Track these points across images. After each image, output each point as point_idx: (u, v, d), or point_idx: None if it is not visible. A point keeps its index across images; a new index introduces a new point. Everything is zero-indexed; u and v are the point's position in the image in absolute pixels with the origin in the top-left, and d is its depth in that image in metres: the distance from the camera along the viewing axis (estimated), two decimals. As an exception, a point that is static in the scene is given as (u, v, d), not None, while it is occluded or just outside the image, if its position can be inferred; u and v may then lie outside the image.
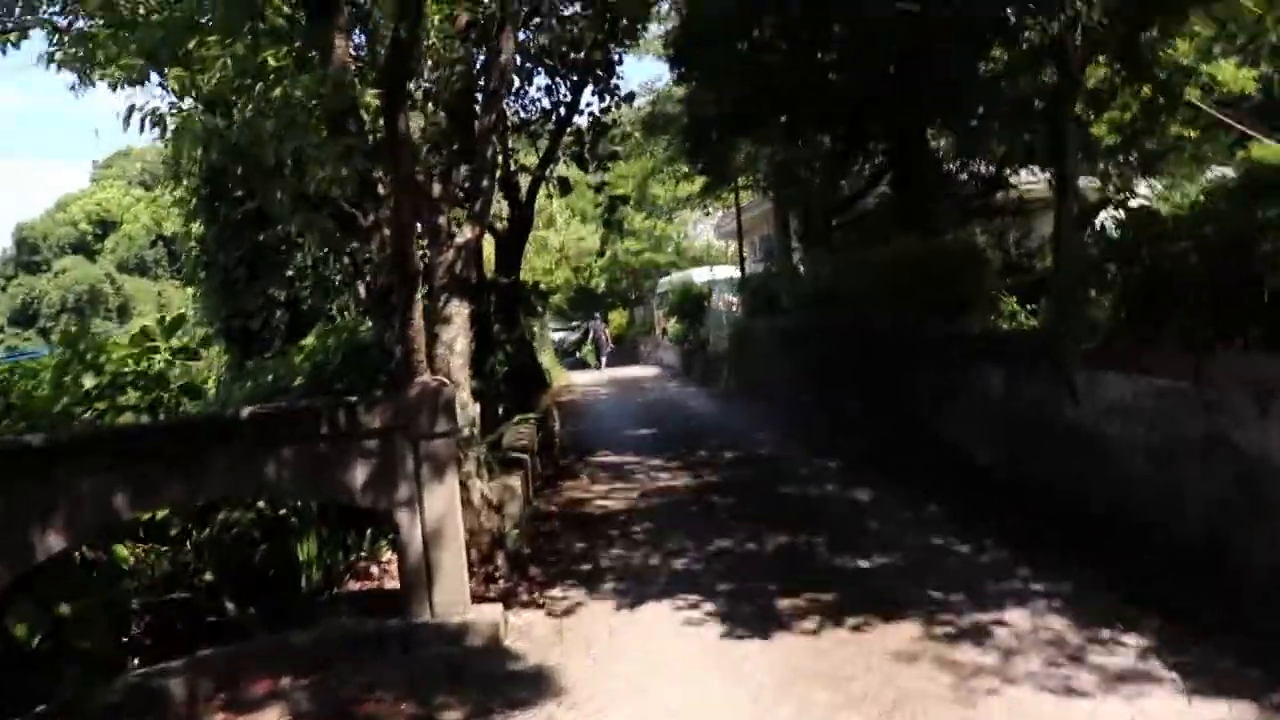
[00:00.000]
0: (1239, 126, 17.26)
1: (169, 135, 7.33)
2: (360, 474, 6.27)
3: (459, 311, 8.36)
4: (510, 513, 8.81)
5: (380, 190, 8.03)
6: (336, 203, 8.28)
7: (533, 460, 11.55)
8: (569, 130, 14.56)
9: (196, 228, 14.09)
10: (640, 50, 27.36)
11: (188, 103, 7.18)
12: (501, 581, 7.87)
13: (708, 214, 32.05)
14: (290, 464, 6.12)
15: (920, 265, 12.40)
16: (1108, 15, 10.53)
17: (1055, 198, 11.66)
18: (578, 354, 49.54)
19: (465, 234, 8.51)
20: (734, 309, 30.53)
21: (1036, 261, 18.72)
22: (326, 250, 10.57)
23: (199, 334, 12.44)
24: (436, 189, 8.60)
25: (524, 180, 14.10)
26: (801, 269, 21.36)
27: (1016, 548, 7.86)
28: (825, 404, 16.28)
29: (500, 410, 12.91)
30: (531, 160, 14.26)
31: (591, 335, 47.44)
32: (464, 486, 7.94)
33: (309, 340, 10.35)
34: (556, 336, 50.50)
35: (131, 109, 7.15)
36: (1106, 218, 12.46)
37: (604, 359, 42.92)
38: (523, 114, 14.45)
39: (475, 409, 10.35)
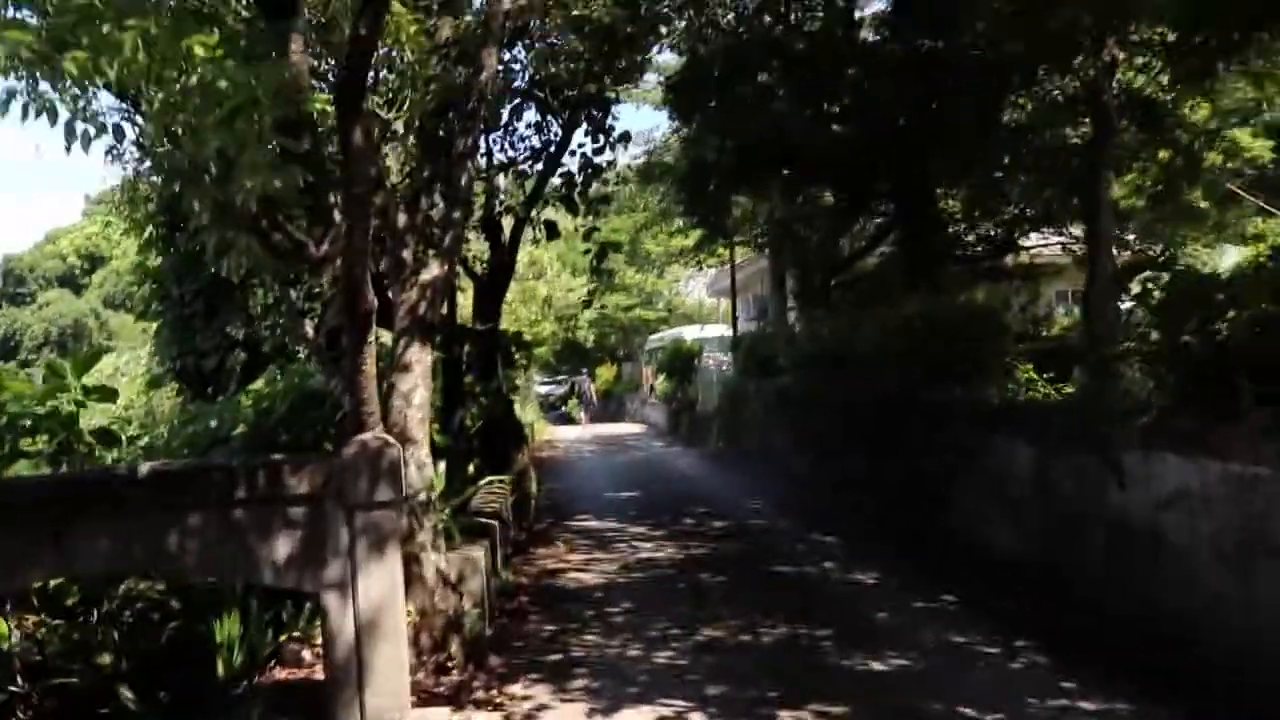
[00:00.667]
0: (1254, 200, 16.49)
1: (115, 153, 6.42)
2: (282, 548, 5.18)
3: (420, 359, 7.32)
4: (471, 589, 7.70)
5: (336, 217, 7.02)
6: (282, 226, 7.28)
7: (504, 526, 10.47)
8: (558, 171, 13.64)
9: (153, 259, 13.06)
10: (637, 99, 26.72)
11: (107, 99, 6.19)
12: (455, 673, 6.75)
13: (701, 269, 31.17)
14: (197, 534, 5.04)
15: (932, 327, 11.43)
16: (1146, 60, 9.66)
17: (1088, 257, 10.75)
18: (563, 408, 48.76)
19: (432, 270, 7.50)
20: (725, 368, 29.59)
21: (1043, 328, 17.72)
22: (291, 283, 9.55)
23: (144, 374, 11.34)
24: (402, 219, 7.61)
25: (508, 223, 13.11)
26: (797, 329, 20.41)
27: (1055, 654, 6.78)
28: (823, 472, 15.22)
29: (471, 469, 11.85)
30: (518, 200, 13.29)
31: (578, 390, 46.97)
32: (416, 561, 6.87)
33: (258, 384, 9.29)
34: (542, 390, 49.67)
35: (72, 123, 6.14)
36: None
37: (587, 415, 42.27)
38: (510, 151, 13.52)
39: (439, 467, 9.29)
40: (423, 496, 7.08)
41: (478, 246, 13.13)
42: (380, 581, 5.30)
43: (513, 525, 11.96)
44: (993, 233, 18.92)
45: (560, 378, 53.73)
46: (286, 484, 5.17)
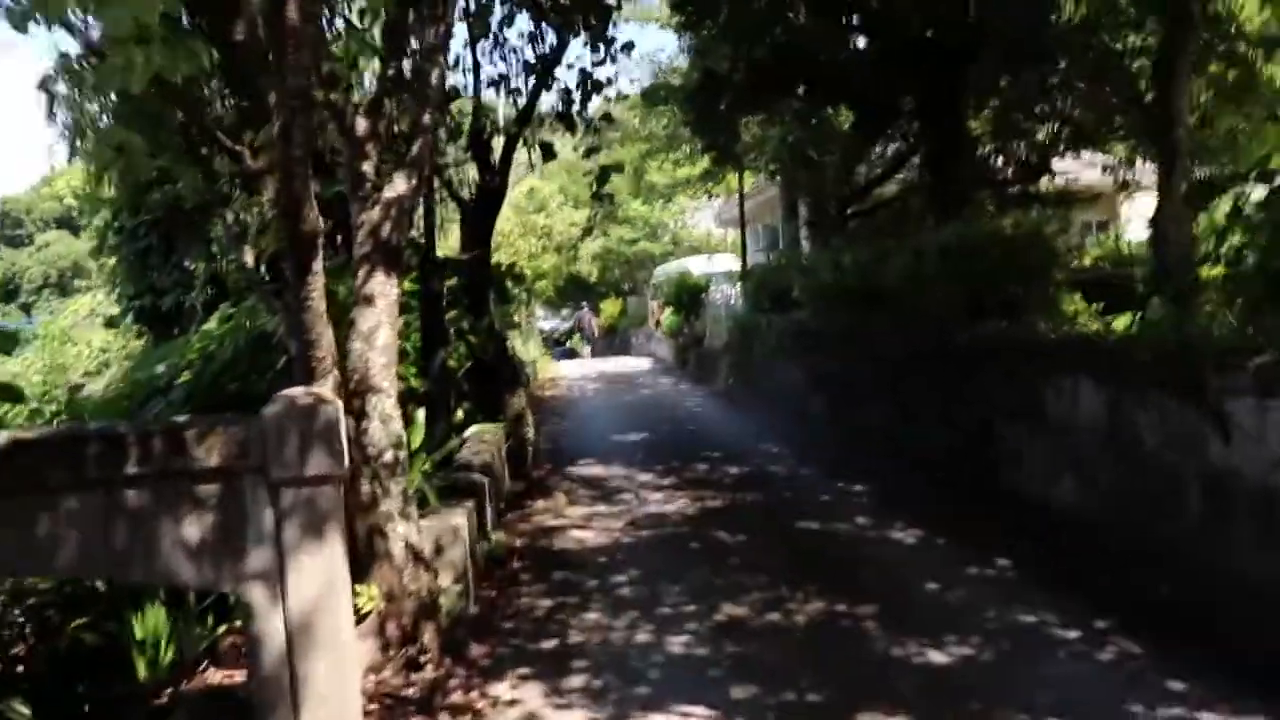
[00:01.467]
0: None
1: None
2: (189, 537, 4.03)
3: (384, 291, 6.11)
4: (452, 559, 6.59)
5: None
6: (219, 139, 6.06)
7: (495, 480, 9.34)
8: (555, 86, 12.31)
9: (108, 188, 11.79)
10: (641, 19, 25.23)
11: None
12: (429, 668, 5.64)
13: (710, 197, 29.75)
14: (75, 521, 3.89)
15: (974, 253, 10.19)
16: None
17: (1160, 175, 9.44)
18: (568, 344, 47.86)
19: (398, 186, 6.26)
20: (733, 302, 28.35)
21: (1073, 258, 16.39)
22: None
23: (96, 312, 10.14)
24: (362, 125, 6.35)
25: (499, 144, 11.78)
26: (809, 260, 19.09)
27: (1152, 642, 5.61)
28: (847, 416, 14.05)
29: (460, 414, 10.71)
30: (510, 117, 11.95)
31: (579, 324, 46.06)
32: (380, 534, 5.73)
33: (209, 324, 8.10)
34: (546, 326, 48.65)
35: None
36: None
37: (590, 348, 41.40)
38: (501, 65, 12.15)
39: (418, 416, 8.14)
40: (389, 456, 5.92)
41: (465, 171, 11.84)
42: (316, 575, 4.15)
43: (507, 476, 10.85)
44: (1024, 156, 17.57)
45: (564, 313, 52.62)
46: (192, 455, 4.00)
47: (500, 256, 20.09)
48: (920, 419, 11.26)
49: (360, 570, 5.43)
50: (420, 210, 8.93)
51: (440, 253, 11.50)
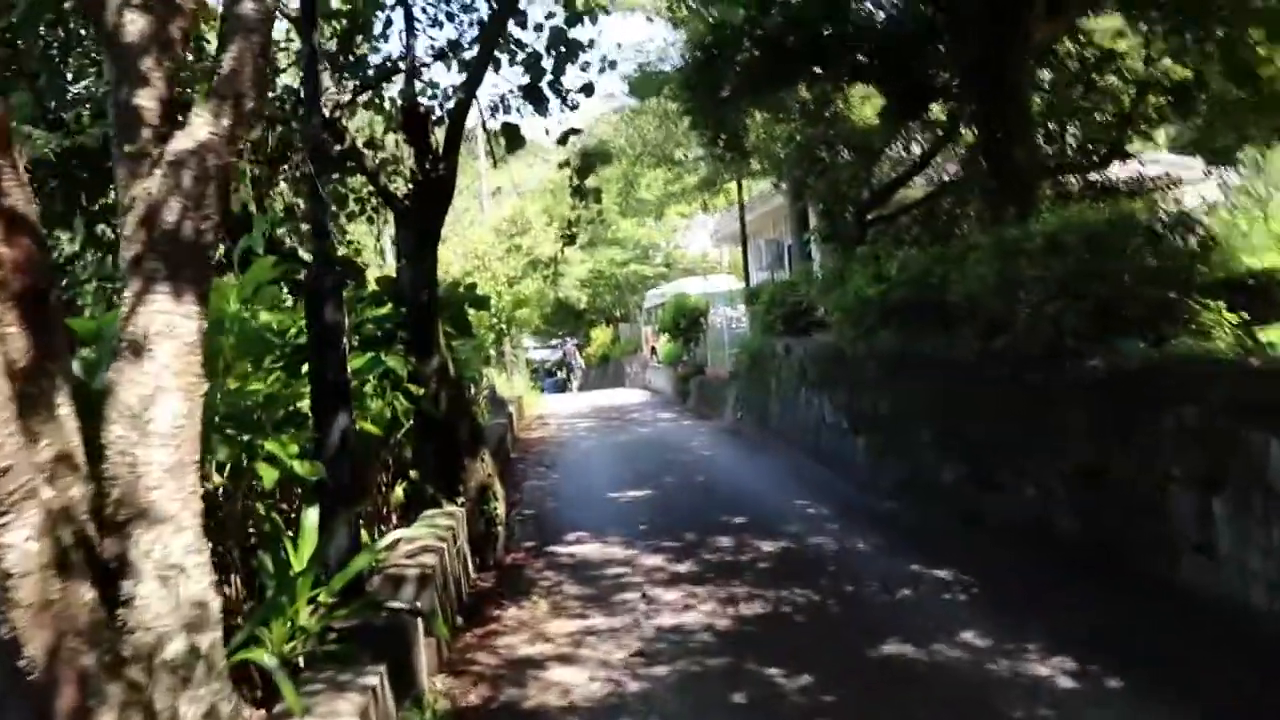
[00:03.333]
0: None
1: None
2: None
3: (171, 328, 3.25)
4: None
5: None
6: None
7: (444, 594, 6.45)
8: (518, 52, 9.49)
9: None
10: (624, 7, 22.60)
11: None
12: None
13: (706, 210, 26.91)
14: None
15: (1103, 249, 7.37)
16: None
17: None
18: (559, 375, 45.69)
19: (195, 132, 3.41)
20: (736, 325, 25.54)
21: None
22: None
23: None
24: (135, 25, 3.48)
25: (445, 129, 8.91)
26: (831, 272, 16.23)
27: None
28: (901, 464, 11.15)
29: (401, 493, 7.85)
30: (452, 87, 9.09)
31: (565, 359, 44.55)
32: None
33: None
34: (536, 356, 46.27)
35: None
36: None
37: (575, 383, 39.29)
38: (444, 25, 9.35)
39: (307, 522, 5.28)
40: (176, 648, 3.04)
41: (400, 152, 8.96)
42: None
43: (471, 569, 8.01)
44: (1090, 138, 14.81)
45: (554, 342, 50.18)
46: None
47: (480, 281, 17.27)
48: (1025, 474, 8.38)
49: None
50: (312, 205, 6.00)
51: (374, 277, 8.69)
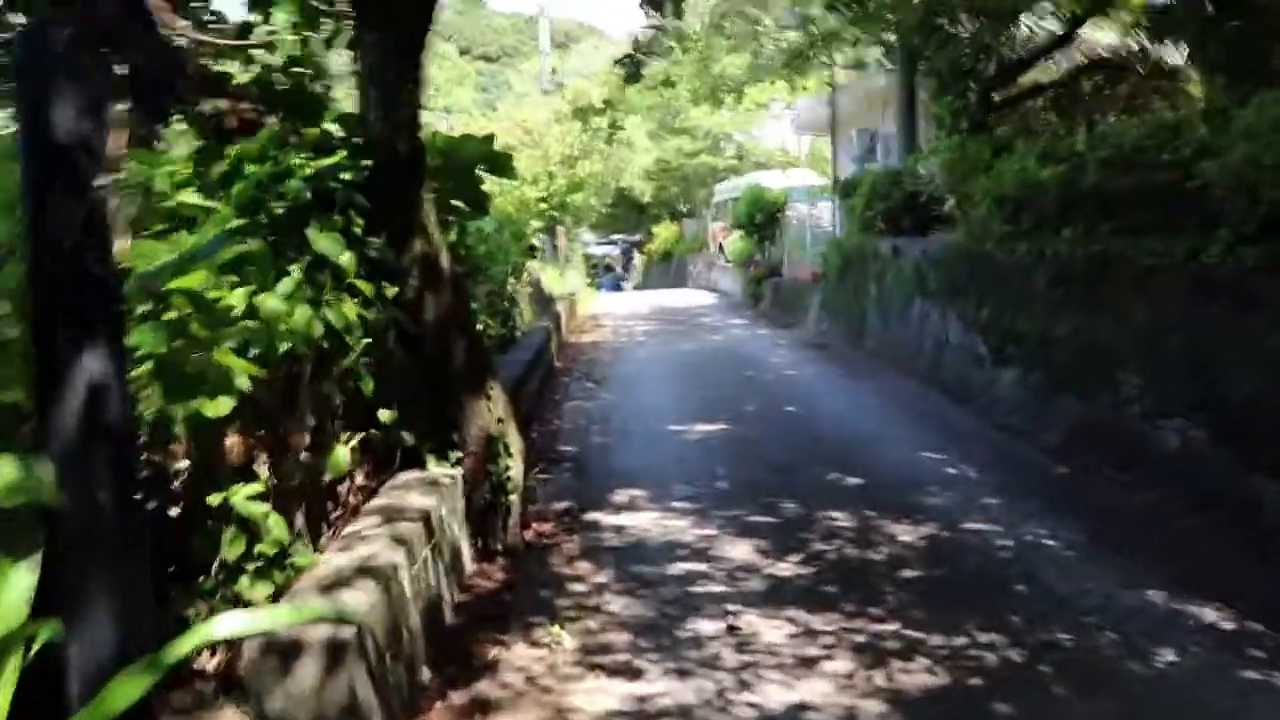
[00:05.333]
0: None
1: None
2: None
3: None
4: None
5: None
6: None
7: (404, 634, 3.60)
8: None
9: None
10: None
11: None
12: None
13: (793, 89, 23.40)
14: None
15: None
16: None
17: None
18: (618, 270, 43.15)
19: None
20: (825, 223, 22.32)
21: None
22: None
23: None
24: None
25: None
26: (974, 152, 12.90)
27: None
28: (1095, 404, 7.99)
29: (362, 458, 4.97)
30: None
31: (623, 263, 42.95)
32: None
33: None
34: (597, 251, 43.63)
35: None
36: None
37: (626, 284, 39.21)
38: None
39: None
40: None
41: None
42: None
43: (451, 577, 5.14)
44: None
45: (615, 237, 47.31)
46: None
47: (529, 161, 14.11)
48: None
49: None
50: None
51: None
